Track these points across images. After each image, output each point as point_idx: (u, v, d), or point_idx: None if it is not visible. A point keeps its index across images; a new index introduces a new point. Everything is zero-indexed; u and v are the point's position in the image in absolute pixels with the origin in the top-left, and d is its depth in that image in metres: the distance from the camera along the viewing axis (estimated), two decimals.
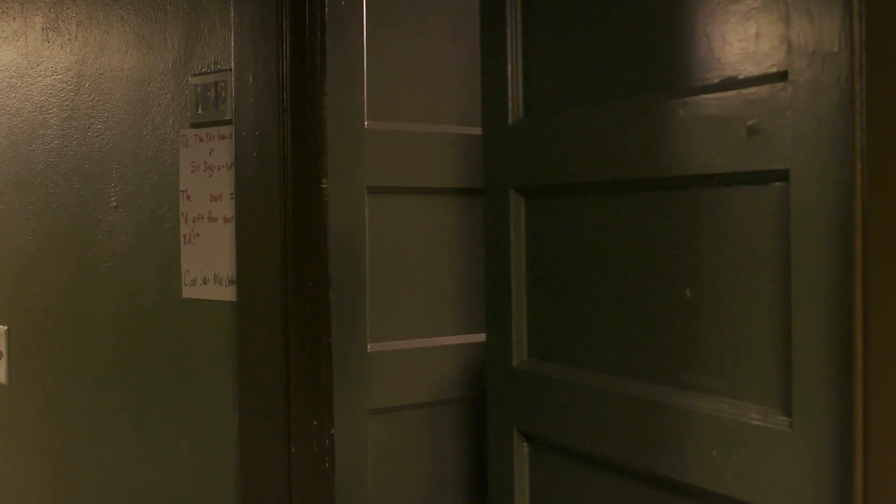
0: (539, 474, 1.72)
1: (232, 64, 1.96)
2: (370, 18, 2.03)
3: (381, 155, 2.06)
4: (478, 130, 2.19)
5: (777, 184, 1.24)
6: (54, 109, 2.36)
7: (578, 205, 1.59)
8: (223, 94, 2.00)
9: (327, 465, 1.95)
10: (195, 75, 2.05)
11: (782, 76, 1.22)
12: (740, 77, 1.28)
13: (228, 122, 1.99)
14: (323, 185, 1.94)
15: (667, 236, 1.41)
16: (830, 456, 1.14)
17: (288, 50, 1.89)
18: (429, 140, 2.12)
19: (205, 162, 2.04)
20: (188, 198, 2.07)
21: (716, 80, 1.32)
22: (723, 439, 1.30)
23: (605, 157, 1.50)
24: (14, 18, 2.45)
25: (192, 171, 2.06)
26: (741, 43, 1.28)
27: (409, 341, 2.12)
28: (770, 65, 1.25)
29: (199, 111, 2.04)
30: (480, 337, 2.16)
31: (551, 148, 1.63)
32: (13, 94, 2.46)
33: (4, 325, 2.53)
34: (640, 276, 1.46)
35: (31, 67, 2.41)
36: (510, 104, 1.71)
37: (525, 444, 1.73)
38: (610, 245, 1.52)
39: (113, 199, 2.22)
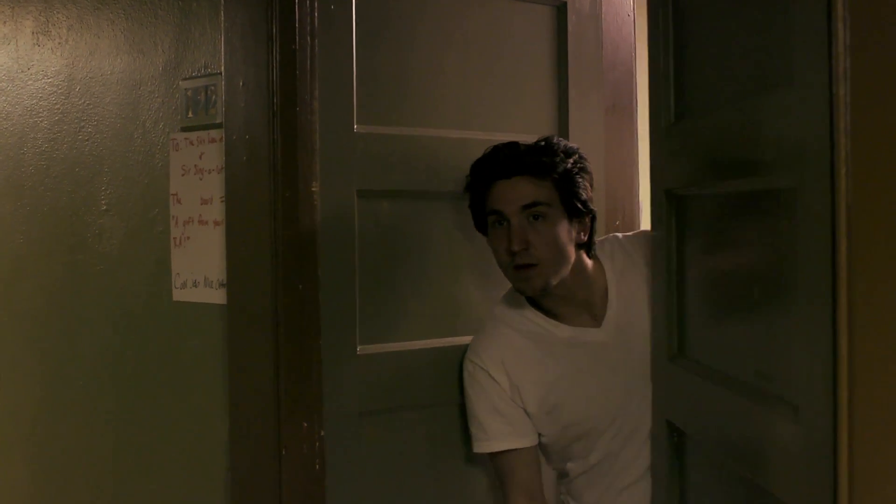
0: (685, 466, 1.78)
1: (222, 68, 1.97)
2: (359, 23, 2.04)
3: (371, 158, 2.07)
4: (467, 134, 2.20)
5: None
6: (45, 113, 2.36)
7: (705, 207, 1.67)
8: (213, 98, 2.00)
9: (318, 467, 1.96)
10: (185, 79, 2.06)
11: None
12: None
13: (219, 126, 1.99)
14: (313, 189, 1.95)
15: (751, 237, 1.47)
16: (827, 449, 1.15)
17: (278, 54, 1.90)
18: (418, 144, 2.13)
19: (195, 165, 2.05)
20: (178, 201, 2.08)
21: None
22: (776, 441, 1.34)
23: (712, 160, 1.57)
24: (4, 22, 2.45)
25: (183, 175, 2.07)
26: None
27: (399, 344, 2.13)
28: None
29: (190, 115, 2.05)
30: (468, 339, 2.17)
31: (683, 151, 1.70)
32: (3, 98, 2.46)
33: None
34: (741, 277, 1.51)
35: (22, 71, 2.41)
36: (663, 109, 1.77)
37: (674, 434, 1.79)
38: (722, 247, 1.59)
39: (103, 202, 2.23)
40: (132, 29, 2.17)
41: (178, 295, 2.09)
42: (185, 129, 2.06)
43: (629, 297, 2.06)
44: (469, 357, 2.09)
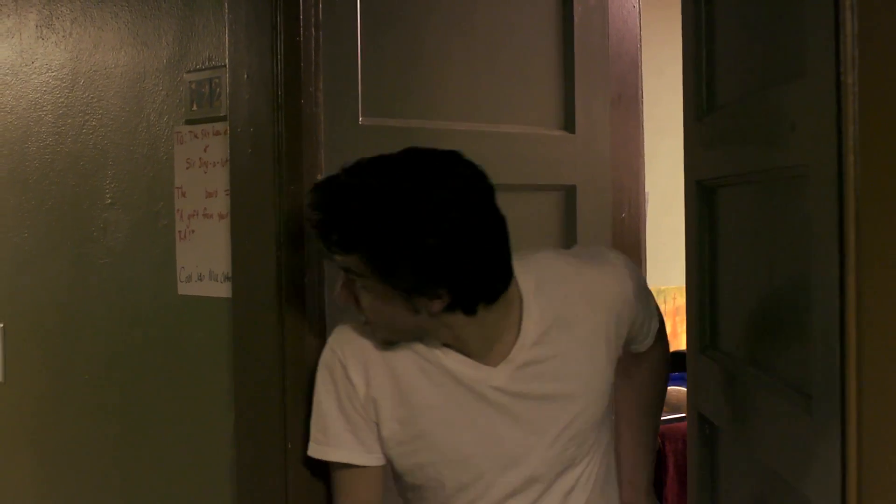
0: (716, 459, 1.79)
1: (226, 60, 1.96)
2: (364, 14, 2.03)
3: (376, 151, 2.05)
4: (474, 126, 2.19)
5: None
6: (49, 107, 2.36)
7: (733, 198, 1.68)
8: (218, 90, 2.00)
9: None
10: (190, 72, 2.05)
11: None
12: None
13: (223, 119, 1.99)
14: (318, 181, 1.94)
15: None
16: (836, 440, 1.15)
17: (282, 46, 1.89)
18: (424, 136, 2.12)
19: (200, 158, 2.04)
20: (183, 194, 2.08)
21: None
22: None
23: (739, 150, 1.59)
24: (8, 16, 2.45)
25: (187, 168, 2.06)
26: None
27: None
28: None
29: (194, 108, 2.04)
30: None
31: (713, 143, 1.74)
32: (7, 92, 2.46)
33: (0, 322, 2.53)
34: (765, 268, 1.53)
35: (26, 65, 2.41)
36: (695, 101, 1.79)
37: (705, 426, 1.81)
38: (749, 238, 1.61)
39: (108, 196, 2.22)
40: (136, 22, 2.16)
41: (183, 288, 2.08)
42: (189, 122, 2.06)
43: (556, 332, 1.61)
44: (331, 343, 1.71)
